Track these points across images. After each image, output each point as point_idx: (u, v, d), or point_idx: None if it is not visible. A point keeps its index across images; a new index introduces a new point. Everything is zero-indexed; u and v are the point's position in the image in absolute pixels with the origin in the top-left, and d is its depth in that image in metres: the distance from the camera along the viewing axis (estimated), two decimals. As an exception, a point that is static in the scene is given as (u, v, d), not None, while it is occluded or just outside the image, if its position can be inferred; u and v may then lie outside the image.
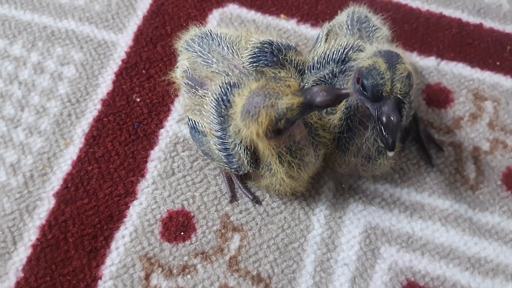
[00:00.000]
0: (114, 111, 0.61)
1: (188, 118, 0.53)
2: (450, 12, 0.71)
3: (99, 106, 0.61)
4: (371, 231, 0.55)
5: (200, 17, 0.69)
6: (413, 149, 0.60)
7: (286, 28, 0.68)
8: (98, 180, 0.57)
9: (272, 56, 0.51)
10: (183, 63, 0.55)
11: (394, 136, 0.43)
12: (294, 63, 0.52)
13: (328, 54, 0.52)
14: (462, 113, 0.63)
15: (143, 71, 0.64)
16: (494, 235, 0.56)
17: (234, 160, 0.50)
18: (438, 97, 0.64)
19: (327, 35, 0.56)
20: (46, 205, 0.55)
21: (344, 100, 0.48)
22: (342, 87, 0.50)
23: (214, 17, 0.69)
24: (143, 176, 0.57)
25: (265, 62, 0.50)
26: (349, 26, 0.56)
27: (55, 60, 0.64)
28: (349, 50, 0.51)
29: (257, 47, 0.51)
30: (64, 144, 0.59)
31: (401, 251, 0.54)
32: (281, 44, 0.52)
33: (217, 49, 0.52)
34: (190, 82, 0.53)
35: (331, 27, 0.57)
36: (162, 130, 0.60)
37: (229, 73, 0.50)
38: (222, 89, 0.49)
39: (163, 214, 0.55)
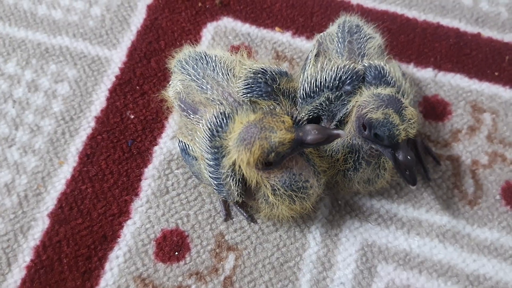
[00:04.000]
0: (108, 128, 0.61)
1: (179, 140, 0.52)
2: (447, 21, 0.70)
3: (92, 124, 0.61)
4: (368, 248, 0.55)
5: (194, 31, 0.68)
6: (410, 163, 0.60)
7: (281, 41, 0.68)
8: (92, 199, 0.56)
9: (266, 86, 0.50)
10: (176, 84, 0.54)
11: (415, 172, 0.46)
12: (286, 92, 0.52)
13: (321, 82, 0.51)
14: (460, 126, 0.62)
15: (137, 87, 0.64)
16: (493, 252, 0.55)
17: (224, 189, 0.49)
18: (436, 109, 0.63)
19: (316, 55, 0.55)
20: (40, 226, 0.55)
21: (346, 142, 0.50)
22: (334, 126, 0.51)
23: (209, 30, 0.69)
24: (137, 195, 0.57)
25: (259, 93, 0.50)
26: (340, 39, 0.55)
27: (49, 78, 0.64)
28: (342, 74, 0.51)
29: (250, 77, 0.51)
30: (58, 163, 0.59)
31: (398, 269, 0.54)
32: (274, 72, 0.51)
33: (212, 74, 0.52)
34: (182, 105, 0.52)
35: (322, 39, 0.57)
36: (156, 147, 0.60)
37: (223, 102, 0.50)
38: (217, 120, 0.48)
39: (157, 234, 0.55)
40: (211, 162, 0.48)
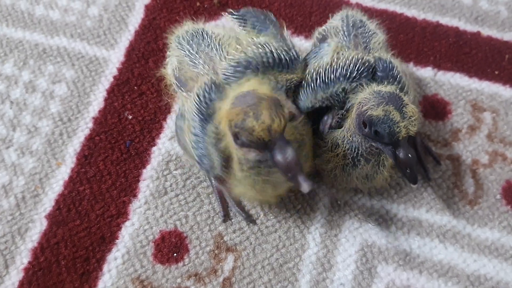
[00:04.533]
0: (106, 129, 0.60)
1: (179, 108, 0.52)
2: (446, 20, 0.69)
3: (90, 125, 0.61)
4: (368, 249, 0.54)
5: (193, 31, 0.68)
6: (410, 163, 0.59)
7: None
8: (90, 201, 0.56)
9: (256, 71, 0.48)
10: (172, 60, 0.53)
11: (415, 171, 0.45)
12: (281, 83, 0.50)
13: (337, 69, 0.50)
14: (460, 125, 0.62)
15: (135, 87, 0.64)
16: (494, 252, 0.54)
17: (206, 161, 0.48)
18: (435, 108, 0.63)
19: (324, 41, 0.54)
20: (38, 227, 0.55)
21: (346, 138, 0.49)
22: (340, 116, 0.50)
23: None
24: (135, 196, 0.57)
25: (238, 82, 0.47)
26: (345, 32, 0.55)
27: (47, 78, 0.64)
28: (360, 65, 0.50)
29: (232, 66, 0.48)
30: (56, 164, 0.58)
31: (399, 269, 0.53)
32: (262, 62, 0.48)
33: (206, 49, 0.51)
34: (176, 83, 0.52)
35: (326, 32, 0.56)
36: (154, 148, 0.60)
37: (213, 76, 0.49)
38: (206, 87, 0.47)
39: (156, 235, 0.54)
40: (196, 130, 0.47)
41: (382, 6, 0.70)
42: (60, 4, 0.69)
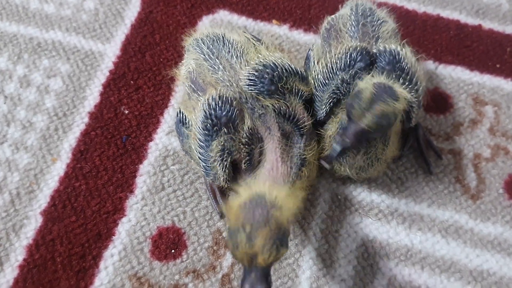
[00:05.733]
0: (102, 124, 0.59)
1: (180, 110, 0.51)
2: (447, 13, 0.69)
3: (86, 120, 0.60)
4: (369, 244, 0.53)
5: (190, 24, 0.67)
6: (410, 157, 0.58)
7: (278, 34, 0.67)
8: (86, 197, 0.55)
9: (270, 84, 0.48)
10: (189, 62, 0.53)
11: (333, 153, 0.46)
12: (296, 92, 0.50)
13: (332, 66, 0.50)
14: (461, 119, 0.61)
15: (131, 82, 0.62)
16: (496, 247, 0.54)
17: (211, 172, 0.48)
18: (437, 102, 0.62)
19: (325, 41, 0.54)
20: (33, 224, 0.54)
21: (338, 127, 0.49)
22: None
23: (204, 23, 0.67)
24: (132, 191, 0.56)
25: (261, 89, 0.48)
26: (353, 22, 0.54)
27: (42, 73, 0.63)
28: (352, 52, 0.49)
29: (257, 70, 0.48)
30: (51, 160, 0.57)
31: (400, 265, 0.52)
32: (285, 69, 0.49)
33: (226, 56, 0.50)
34: (192, 86, 0.51)
35: (335, 21, 0.55)
36: (151, 143, 0.59)
37: (233, 84, 0.48)
38: (214, 103, 0.47)
39: (153, 231, 0.53)
40: (202, 144, 0.47)
41: (382, -1, 0.70)
42: (55, -3, 0.68)
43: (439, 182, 0.57)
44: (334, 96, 0.50)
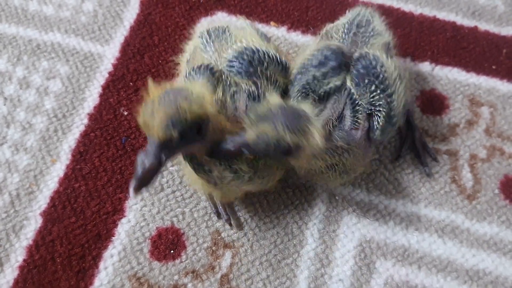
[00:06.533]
0: (101, 125, 0.60)
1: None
2: (444, 15, 0.69)
3: (85, 121, 0.60)
4: (366, 244, 0.54)
5: (188, 26, 0.67)
6: (407, 158, 0.59)
7: (276, 36, 0.67)
8: (85, 197, 0.55)
9: (248, 66, 0.48)
10: (190, 47, 0.54)
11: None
12: (273, 80, 0.49)
13: (305, 62, 0.50)
14: (457, 120, 0.62)
15: (131, 83, 0.63)
16: (492, 246, 0.54)
17: None
18: (433, 103, 0.63)
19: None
20: (33, 225, 0.54)
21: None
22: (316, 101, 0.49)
23: (203, 25, 0.67)
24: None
25: (239, 70, 0.48)
26: (346, 30, 0.54)
27: (41, 74, 0.63)
28: (326, 51, 0.49)
29: (237, 52, 0.49)
30: (51, 161, 0.58)
31: (397, 265, 0.53)
32: (268, 55, 0.49)
33: (222, 41, 0.51)
34: (186, 68, 0.51)
35: (330, 29, 0.55)
36: (150, 144, 0.59)
37: (217, 63, 0.49)
38: (194, 69, 0.47)
39: (152, 232, 0.54)
40: None
41: (379, 1, 0.70)
42: (54, -1, 0.69)
43: (435, 182, 0.57)
44: (303, 90, 0.49)
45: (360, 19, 0.55)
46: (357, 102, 0.48)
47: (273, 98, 0.43)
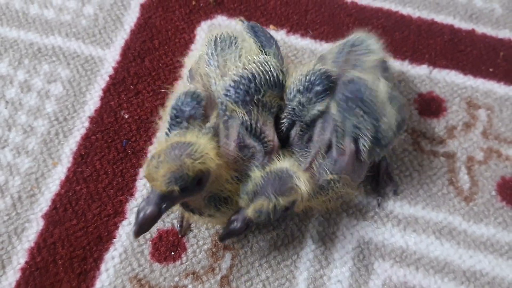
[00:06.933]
0: (102, 128, 0.60)
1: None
2: (441, 18, 0.70)
3: (86, 124, 0.61)
4: (364, 246, 0.55)
5: (188, 29, 0.68)
6: (405, 160, 0.60)
7: (276, 39, 0.67)
8: (86, 200, 0.56)
9: (244, 95, 0.47)
10: (196, 53, 0.54)
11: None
12: (268, 106, 0.49)
13: (293, 87, 0.50)
14: (455, 122, 0.62)
15: (131, 86, 0.63)
16: (489, 248, 0.55)
17: None
18: (431, 106, 0.63)
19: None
20: (34, 227, 0.55)
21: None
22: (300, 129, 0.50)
23: (203, 29, 0.68)
24: (132, 195, 0.57)
25: (235, 100, 0.47)
26: (339, 50, 0.54)
27: (42, 78, 0.64)
28: (311, 76, 0.49)
29: (234, 80, 0.48)
30: (52, 164, 0.58)
31: (395, 266, 0.54)
32: (265, 81, 0.48)
33: (227, 56, 0.50)
34: (188, 73, 0.52)
35: (323, 54, 0.56)
36: (151, 147, 0.59)
37: (216, 82, 0.48)
38: (182, 97, 0.47)
39: (153, 234, 0.54)
40: (168, 127, 0.47)
41: (377, 4, 0.71)
42: (54, 3, 0.69)
43: (433, 184, 0.58)
44: (289, 117, 0.50)
45: (354, 40, 0.55)
46: (340, 127, 0.48)
47: (254, 173, 0.45)
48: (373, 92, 0.49)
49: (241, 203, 0.45)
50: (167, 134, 0.48)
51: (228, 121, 0.47)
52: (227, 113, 0.47)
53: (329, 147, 0.48)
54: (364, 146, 0.48)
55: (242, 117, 0.47)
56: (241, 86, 0.48)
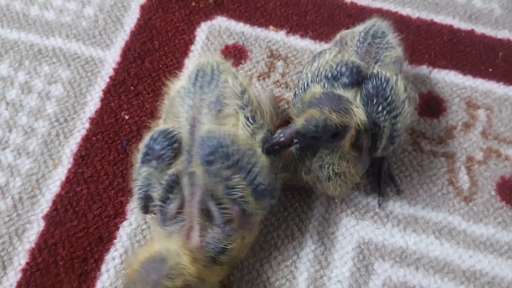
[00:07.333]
0: (103, 129, 0.60)
1: None
2: (441, 18, 0.70)
3: (87, 125, 0.61)
4: (364, 246, 0.55)
5: (188, 30, 0.68)
6: (405, 160, 0.60)
7: (275, 40, 0.68)
8: (87, 201, 0.56)
9: (212, 162, 0.44)
10: (178, 83, 0.50)
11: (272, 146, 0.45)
12: (248, 170, 0.45)
13: (320, 71, 0.50)
14: (454, 122, 0.62)
15: (131, 87, 0.64)
16: (489, 247, 0.55)
17: (136, 192, 0.48)
18: (430, 106, 0.64)
19: (319, 55, 0.54)
20: (35, 228, 0.55)
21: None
22: None
23: (203, 30, 0.68)
24: (132, 195, 0.57)
25: (202, 161, 0.44)
26: (361, 39, 0.54)
27: (43, 79, 0.64)
28: (342, 66, 0.49)
29: (210, 146, 0.44)
30: (53, 165, 0.58)
31: (395, 266, 0.54)
32: (238, 149, 0.44)
33: (205, 94, 0.47)
34: (165, 111, 0.50)
35: (343, 36, 0.56)
36: (151, 148, 0.60)
37: (187, 126, 0.46)
38: (155, 135, 0.46)
39: (153, 235, 0.55)
40: (137, 164, 0.47)
41: (376, 4, 0.71)
42: (55, 4, 0.69)
43: (432, 184, 0.58)
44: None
45: (376, 30, 0.55)
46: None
47: (315, 88, 0.45)
48: (396, 90, 0.49)
49: (293, 112, 0.43)
50: (139, 168, 0.47)
51: (193, 175, 0.44)
52: (192, 165, 0.44)
53: None
54: (380, 143, 0.49)
55: (204, 179, 0.44)
56: (217, 155, 0.44)
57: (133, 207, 0.56)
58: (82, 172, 0.58)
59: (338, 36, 0.57)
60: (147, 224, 0.55)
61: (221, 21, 0.69)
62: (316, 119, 0.42)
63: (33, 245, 0.54)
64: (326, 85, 0.49)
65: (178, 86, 0.50)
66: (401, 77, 0.51)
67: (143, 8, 0.69)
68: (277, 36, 0.68)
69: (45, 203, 0.56)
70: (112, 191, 0.57)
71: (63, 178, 0.57)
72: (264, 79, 0.65)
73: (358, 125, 0.44)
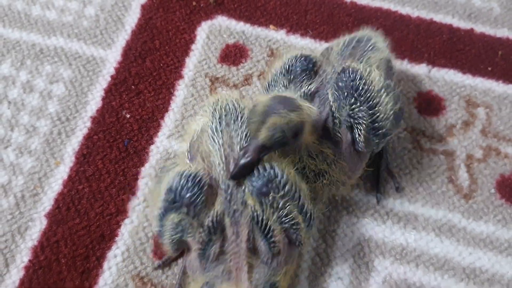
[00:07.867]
0: (104, 128, 0.61)
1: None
2: (440, 17, 0.70)
3: (88, 124, 0.61)
4: (365, 243, 0.55)
5: (189, 30, 0.68)
6: (405, 158, 0.60)
7: (275, 39, 0.68)
8: (89, 199, 0.56)
9: (276, 189, 0.43)
10: (199, 122, 0.49)
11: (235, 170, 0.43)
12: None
13: (276, 72, 0.52)
14: (454, 121, 0.63)
15: (132, 86, 0.64)
16: (489, 245, 0.55)
17: (163, 239, 0.46)
18: (430, 105, 0.64)
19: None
20: (38, 226, 0.55)
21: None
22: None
23: (203, 29, 0.69)
24: (134, 194, 0.57)
25: (250, 187, 0.43)
26: (346, 43, 0.54)
27: (44, 78, 0.64)
28: (293, 59, 0.52)
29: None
30: (55, 163, 0.59)
31: (395, 263, 0.54)
32: (289, 182, 0.43)
33: (232, 133, 0.46)
34: (188, 148, 0.48)
35: (332, 44, 0.57)
36: (152, 147, 0.60)
37: (221, 164, 0.44)
38: (182, 180, 0.43)
39: (155, 232, 0.55)
40: (161, 210, 0.44)
41: (376, 4, 0.71)
42: (56, 4, 0.70)
43: (432, 182, 0.58)
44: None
45: (362, 35, 0.55)
46: (336, 116, 0.48)
47: (260, 97, 0.45)
48: (367, 80, 0.49)
49: (250, 130, 0.42)
50: (160, 218, 0.45)
51: (237, 214, 0.43)
52: (234, 204, 0.43)
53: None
54: (359, 135, 0.48)
55: (253, 210, 0.43)
56: (262, 177, 0.43)
57: (134, 205, 0.56)
58: (84, 170, 0.58)
59: (329, 44, 0.58)
60: (148, 222, 0.55)
61: (221, 21, 0.69)
62: (279, 125, 0.42)
63: (35, 243, 0.54)
64: (285, 82, 0.51)
65: (202, 122, 0.49)
66: (377, 69, 0.51)
67: (144, 7, 0.70)
68: (277, 35, 0.68)
69: (47, 201, 0.56)
70: (113, 189, 0.57)
71: (65, 176, 0.58)
72: (264, 78, 0.65)
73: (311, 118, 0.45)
